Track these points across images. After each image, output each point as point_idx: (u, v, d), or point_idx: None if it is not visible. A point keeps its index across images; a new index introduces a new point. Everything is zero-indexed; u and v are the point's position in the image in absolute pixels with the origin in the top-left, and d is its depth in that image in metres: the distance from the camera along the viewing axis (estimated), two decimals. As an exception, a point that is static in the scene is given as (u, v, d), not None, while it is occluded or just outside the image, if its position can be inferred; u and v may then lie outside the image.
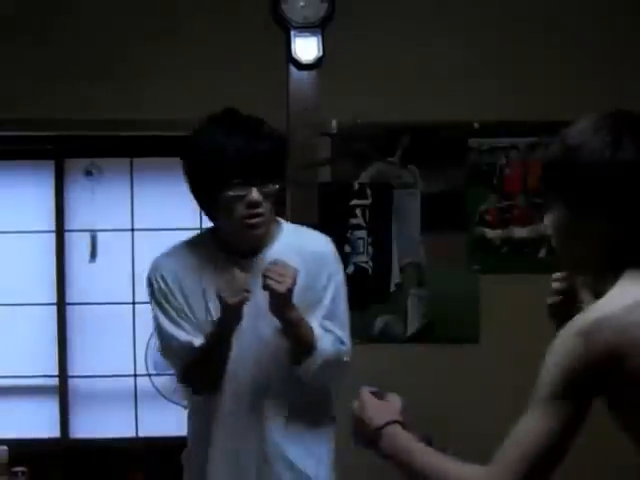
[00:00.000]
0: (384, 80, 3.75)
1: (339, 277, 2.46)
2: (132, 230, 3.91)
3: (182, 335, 2.34)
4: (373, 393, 1.92)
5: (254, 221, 2.28)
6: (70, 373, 3.94)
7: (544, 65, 3.80)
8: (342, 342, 2.47)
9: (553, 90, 3.80)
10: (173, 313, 2.36)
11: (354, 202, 3.76)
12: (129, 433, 3.96)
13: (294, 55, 3.67)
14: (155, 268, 2.40)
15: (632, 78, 3.84)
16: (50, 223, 3.90)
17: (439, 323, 3.81)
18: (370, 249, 3.76)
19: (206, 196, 2.30)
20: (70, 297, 3.93)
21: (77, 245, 3.92)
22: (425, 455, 1.69)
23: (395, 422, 1.79)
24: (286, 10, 3.66)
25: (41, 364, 3.94)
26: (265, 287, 2.23)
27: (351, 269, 3.75)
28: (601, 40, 3.82)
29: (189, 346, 2.33)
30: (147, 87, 3.67)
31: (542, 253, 3.80)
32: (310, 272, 2.36)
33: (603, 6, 3.82)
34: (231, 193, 2.24)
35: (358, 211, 3.76)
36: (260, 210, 2.28)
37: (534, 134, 3.81)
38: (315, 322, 2.38)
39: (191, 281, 2.36)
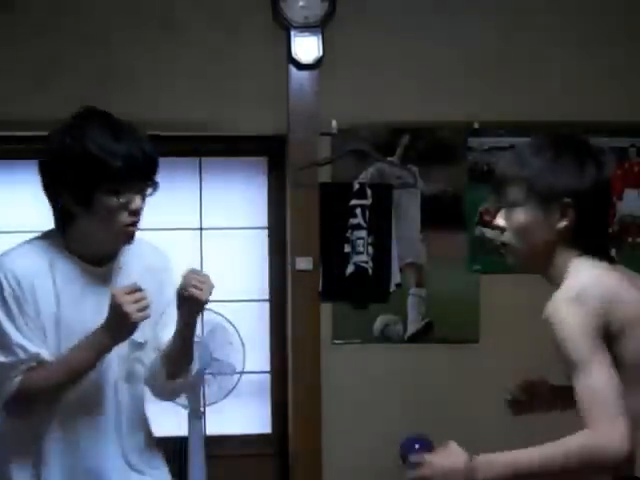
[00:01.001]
0: (384, 80, 3.75)
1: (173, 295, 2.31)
2: (132, 230, 3.91)
3: (29, 345, 2.11)
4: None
5: (134, 229, 2.17)
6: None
7: (544, 65, 3.80)
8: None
9: (553, 90, 3.80)
10: (21, 320, 2.11)
11: (354, 202, 3.76)
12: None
13: (294, 55, 3.67)
14: (7, 267, 2.14)
15: (632, 78, 3.85)
16: (50, 223, 3.89)
17: (439, 323, 3.81)
18: (370, 249, 3.76)
19: (77, 198, 2.10)
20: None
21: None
22: (527, 453, 1.77)
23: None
24: (286, 10, 3.67)
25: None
26: (187, 296, 2.13)
27: (351, 269, 3.75)
28: (602, 40, 3.82)
29: (35, 358, 2.11)
30: (147, 87, 3.67)
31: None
32: (155, 285, 2.24)
33: (604, 6, 3.82)
34: (116, 199, 2.09)
35: (358, 211, 3.76)
36: (140, 218, 2.17)
37: (534, 134, 3.80)
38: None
39: (43, 287, 2.14)
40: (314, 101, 3.71)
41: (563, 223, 1.90)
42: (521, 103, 3.78)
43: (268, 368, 3.96)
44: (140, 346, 2.26)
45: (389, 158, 3.78)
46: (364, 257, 3.76)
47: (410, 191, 3.79)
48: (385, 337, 3.80)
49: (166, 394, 2.41)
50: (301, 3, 3.66)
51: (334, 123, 3.71)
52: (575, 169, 1.90)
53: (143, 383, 2.32)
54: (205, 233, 3.94)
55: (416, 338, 3.81)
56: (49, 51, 3.65)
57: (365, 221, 3.76)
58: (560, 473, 1.73)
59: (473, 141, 3.79)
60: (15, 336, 2.11)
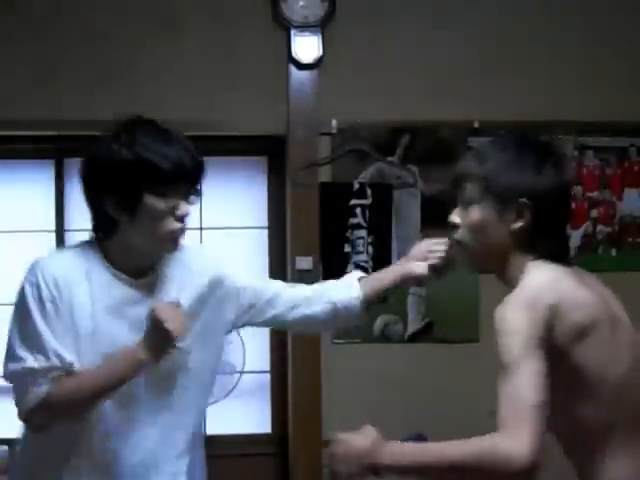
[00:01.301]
0: (384, 80, 3.75)
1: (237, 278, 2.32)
2: (132, 230, 3.91)
3: (64, 353, 2.01)
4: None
5: (180, 235, 2.09)
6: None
7: (544, 65, 3.81)
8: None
9: (553, 90, 3.80)
10: (58, 325, 2.02)
11: (354, 202, 3.76)
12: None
13: (294, 55, 3.67)
14: (45, 269, 2.06)
15: (633, 78, 3.85)
16: (50, 223, 3.89)
17: (439, 323, 3.81)
18: (370, 249, 3.76)
19: (123, 203, 2.03)
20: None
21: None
22: (436, 449, 1.71)
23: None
24: (286, 10, 3.67)
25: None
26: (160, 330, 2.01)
27: (351, 269, 3.75)
28: (602, 40, 3.82)
29: (68, 368, 2.02)
30: (147, 87, 3.67)
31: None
32: (202, 296, 2.19)
33: (604, 5, 3.83)
34: (163, 204, 2.02)
35: (358, 211, 3.76)
36: (185, 224, 2.10)
37: (534, 134, 3.80)
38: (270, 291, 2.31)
39: (79, 296, 2.06)
40: (314, 101, 3.71)
41: (518, 224, 1.85)
42: (521, 103, 3.78)
43: (268, 368, 3.96)
44: (179, 351, 2.14)
45: (389, 158, 3.78)
46: (364, 257, 3.77)
47: (410, 191, 3.79)
48: (385, 337, 3.80)
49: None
50: (301, 3, 3.66)
51: (334, 123, 3.71)
52: (533, 170, 1.86)
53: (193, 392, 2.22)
54: (205, 233, 3.94)
55: (416, 338, 3.81)
56: (49, 51, 3.66)
57: (365, 221, 3.76)
58: (465, 474, 1.65)
59: (473, 141, 3.79)
60: (50, 340, 2.00)
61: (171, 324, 1.98)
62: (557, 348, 1.74)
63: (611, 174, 3.87)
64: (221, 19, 3.72)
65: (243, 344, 3.70)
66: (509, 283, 1.87)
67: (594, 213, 3.86)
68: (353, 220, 3.76)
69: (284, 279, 3.85)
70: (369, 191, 3.76)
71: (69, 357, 2.01)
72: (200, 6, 3.72)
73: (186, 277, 2.18)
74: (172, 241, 2.09)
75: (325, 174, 3.76)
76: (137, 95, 3.65)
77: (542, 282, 1.80)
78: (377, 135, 3.77)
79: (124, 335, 2.05)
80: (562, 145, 3.83)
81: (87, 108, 3.62)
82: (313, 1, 3.68)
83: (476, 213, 1.90)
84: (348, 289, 2.31)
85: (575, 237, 3.85)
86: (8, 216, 3.89)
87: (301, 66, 3.68)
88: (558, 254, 1.88)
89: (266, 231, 3.95)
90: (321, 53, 3.67)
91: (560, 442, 1.88)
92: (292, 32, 3.66)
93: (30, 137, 3.80)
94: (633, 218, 3.90)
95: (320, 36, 3.67)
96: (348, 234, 3.76)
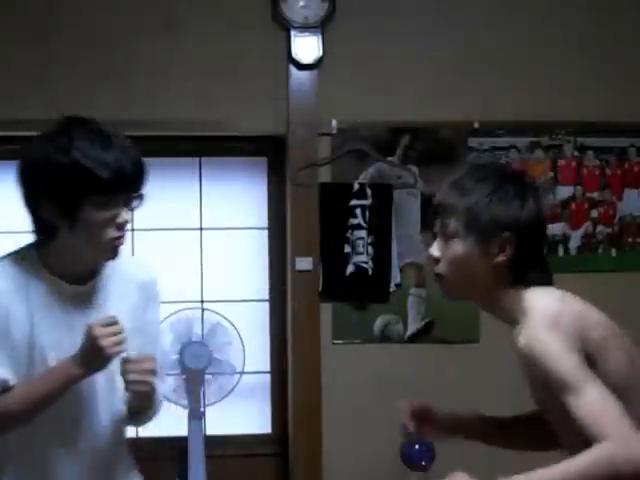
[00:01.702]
0: (384, 80, 3.75)
1: (159, 312, 2.27)
2: (132, 230, 3.90)
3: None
4: None
5: (120, 243, 2.04)
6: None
7: (544, 65, 3.81)
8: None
9: (553, 90, 3.80)
10: None
11: (354, 202, 3.76)
12: (129, 433, 3.95)
13: (294, 55, 3.67)
14: None
15: (633, 78, 3.85)
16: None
17: (439, 323, 3.81)
18: (370, 249, 3.76)
19: (61, 210, 1.97)
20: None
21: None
22: (562, 468, 1.70)
23: None
24: (286, 10, 3.67)
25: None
26: (127, 387, 2.03)
27: (351, 269, 3.75)
28: (602, 40, 3.82)
29: (3, 384, 1.99)
30: (147, 87, 3.67)
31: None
32: (138, 303, 2.16)
33: (604, 5, 3.82)
34: (103, 213, 1.96)
35: (358, 211, 3.76)
36: (125, 232, 2.04)
37: (534, 134, 3.81)
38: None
39: (16, 311, 2.01)
40: (314, 101, 3.71)
41: (501, 257, 1.85)
42: (521, 103, 3.78)
43: (268, 368, 3.96)
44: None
45: (389, 158, 3.78)
46: (364, 257, 3.76)
47: (410, 191, 3.79)
48: (385, 337, 3.80)
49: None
50: (301, 3, 3.66)
51: (334, 123, 3.71)
52: (515, 203, 1.85)
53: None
54: (205, 233, 3.94)
55: (416, 338, 3.81)
56: (49, 51, 3.65)
57: (365, 221, 3.76)
58: None
59: (473, 141, 3.79)
60: None
61: (105, 341, 1.94)
62: (588, 360, 1.77)
63: (611, 174, 3.87)
64: (221, 19, 3.72)
65: (243, 345, 3.71)
66: (503, 314, 1.89)
67: (594, 213, 3.86)
68: (353, 220, 3.75)
69: (284, 279, 3.86)
70: (369, 191, 3.75)
71: (2, 373, 1.99)
72: (200, 6, 3.71)
73: (123, 285, 2.15)
74: (112, 249, 2.04)
75: (325, 174, 3.75)
76: (137, 95, 3.65)
77: (554, 304, 1.82)
78: (377, 135, 3.77)
79: (61, 344, 2.02)
80: (562, 145, 3.84)
81: (87, 108, 3.60)
82: (313, 1, 3.68)
83: (458, 247, 1.89)
84: None
85: (575, 237, 3.85)
86: (9, 216, 3.89)
87: (301, 66, 3.67)
88: (543, 281, 1.90)
89: (266, 231, 3.95)
90: (321, 53, 3.67)
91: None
92: (292, 32, 3.66)
93: (30, 137, 3.79)
94: (633, 218, 3.90)
95: (320, 36, 3.67)
96: (348, 234, 3.75)
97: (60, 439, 2.09)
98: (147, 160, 2.04)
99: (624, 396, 1.77)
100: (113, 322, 1.99)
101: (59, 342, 2.03)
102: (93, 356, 1.97)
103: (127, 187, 1.99)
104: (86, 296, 2.09)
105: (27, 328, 2.03)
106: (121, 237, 2.03)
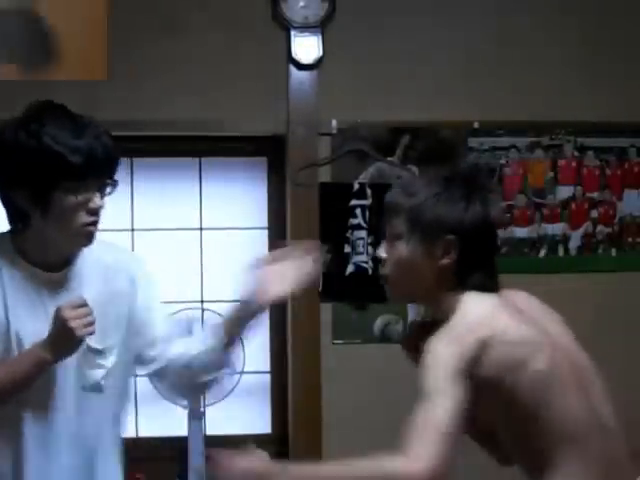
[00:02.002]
0: (384, 80, 3.75)
1: (154, 295, 2.26)
2: (132, 230, 3.91)
3: None
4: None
5: (93, 229, 2.04)
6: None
7: (544, 65, 3.80)
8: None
9: (553, 90, 3.80)
10: None
11: (354, 202, 3.76)
12: (129, 433, 3.95)
13: (294, 55, 3.67)
14: None
15: (632, 78, 3.85)
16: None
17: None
18: (370, 249, 3.76)
19: (33, 197, 1.98)
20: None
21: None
22: (332, 466, 1.75)
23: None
24: (286, 10, 3.67)
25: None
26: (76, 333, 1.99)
27: (351, 269, 3.76)
28: (602, 40, 3.82)
29: None
30: (147, 87, 3.67)
31: (542, 253, 3.80)
32: (117, 287, 2.16)
33: (604, 5, 3.82)
34: (74, 198, 1.98)
35: (358, 211, 3.76)
36: (99, 217, 2.05)
37: (534, 134, 3.81)
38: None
39: None
40: (314, 101, 3.71)
41: (445, 260, 1.84)
42: (521, 103, 3.78)
43: (268, 368, 3.96)
44: (99, 353, 2.13)
45: (389, 158, 3.78)
46: (364, 257, 3.77)
47: (410, 191, 3.79)
48: (385, 337, 3.80)
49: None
50: (301, 3, 3.66)
51: (334, 123, 3.71)
52: (460, 206, 1.83)
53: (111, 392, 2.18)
54: (205, 233, 3.94)
55: (416, 338, 3.81)
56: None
57: (365, 221, 3.76)
58: None
59: (473, 141, 3.79)
60: None
61: (74, 322, 1.94)
62: (486, 381, 1.74)
63: (611, 174, 3.87)
64: (221, 19, 3.72)
65: (243, 344, 3.70)
66: (442, 315, 1.86)
67: (594, 213, 3.86)
68: (353, 221, 3.76)
69: (284, 279, 3.86)
70: (369, 191, 3.76)
71: None
72: (200, 6, 3.71)
73: (101, 272, 2.14)
74: (85, 235, 2.05)
75: (325, 174, 3.75)
76: (137, 95, 3.65)
77: (474, 317, 1.80)
78: (377, 135, 3.77)
79: (38, 331, 2.02)
80: (562, 145, 3.84)
81: (88, 108, 3.60)
82: (313, 1, 3.68)
83: (403, 249, 1.88)
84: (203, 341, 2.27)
85: (575, 237, 3.85)
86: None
87: (301, 66, 3.67)
88: (486, 286, 1.87)
89: (266, 231, 3.95)
90: (321, 53, 3.67)
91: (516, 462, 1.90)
92: (292, 32, 3.66)
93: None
94: (633, 218, 3.89)
95: (320, 36, 3.67)
96: (348, 234, 3.76)
97: (29, 404, 2.07)
98: (146, 160, 2.04)
99: (542, 404, 1.77)
100: (82, 304, 1.98)
101: (34, 327, 2.03)
102: (63, 338, 1.97)
103: (98, 172, 2.01)
104: (61, 282, 2.09)
105: (1, 314, 2.04)
106: (94, 223, 2.04)
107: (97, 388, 2.15)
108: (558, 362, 1.81)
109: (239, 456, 1.83)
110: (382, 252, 1.94)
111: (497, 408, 1.79)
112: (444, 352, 1.73)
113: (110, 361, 2.16)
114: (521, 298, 1.93)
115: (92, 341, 2.08)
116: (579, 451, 1.78)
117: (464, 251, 1.84)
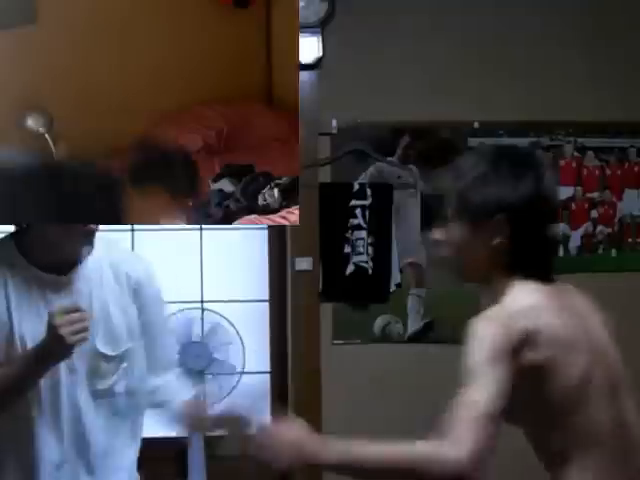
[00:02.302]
0: (384, 80, 3.75)
1: (161, 310, 2.26)
2: (132, 230, 3.91)
3: None
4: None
5: (92, 227, 2.03)
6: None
7: (544, 65, 3.80)
8: None
9: (553, 90, 3.80)
10: None
11: (354, 202, 3.76)
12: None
13: (294, 55, 3.67)
14: None
15: (632, 78, 3.85)
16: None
17: (439, 323, 3.81)
18: (370, 249, 3.76)
19: None
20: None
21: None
22: (377, 447, 1.71)
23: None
24: (286, 10, 3.67)
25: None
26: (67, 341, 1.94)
27: (351, 269, 3.76)
28: (602, 40, 3.82)
29: None
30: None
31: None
32: (128, 299, 2.15)
33: (603, 6, 3.82)
34: None
35: (358, 211, 3.76)
36: None
37: (534, 134, 3.81)
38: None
39: None
40: (314, 101, 3.71)
41: (497, 240, 1.82)
42: (521, 103, 3.78)
43: (268, 368, 3.96)
44: (106, 358, 2.11)
45: (389, 158, 3.78)
46: (364, 257, 3.76)
47: (410, 191, 3.79)
48: (385, 337, 3.80)
49: None
50: (301, 3, 3.66)
51: (334, 123, 3.71)
52: (510, 184, 1.81)
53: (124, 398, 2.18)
54: (205, 233, 3.94)
55: (416, 338, 3.81)
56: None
57: (365, 221, 3.76)
58: (402, 475, 1.68)
59: (473, 141, 3.79)
60: None
61: (64, 330, 1.89)
62: (521, 373, 1.72)
63: (611, 174, 3.87)
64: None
65: (243, 345, 3.70)
66: (493, 298, 1.86)
67: (594, 213, 3.86)
68: (353, 221, 3.76)
69: (284, 279, 3.86)
70: (369, 192, 3.76)
71: None
72: (200, 6, 3.72)
73: (106, 273, 2.13)
74: (85, 235, 2.03)
75: (325, 174, 3.76)
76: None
77: (521, 307, 1.79)
78: (377, 135, 3.77)
79: (42, 335, 1.98)
80: (562, 145, 3.84)
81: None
82: (313, 1, 3.68)
83: (455, 230, 1.89)
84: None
85: (575, 237, 3.85)
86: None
87: (301, 66, 3.67)
88: (540, 272, 1.86)
89: (266, 231, 3.95)
90: (321, 53, 3.67)
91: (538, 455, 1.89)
92: (292, 32, 3.66)
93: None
94: (633, 218, 3.90)
95: (320, 36, 3.67)
96: (348, 235, 3.76)
97: (39, 406, 2.06)
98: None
99: (570, 409, 1.76)
100: (74, 309, 1.93)
101: (39, 330, 2.00)
102: (53, 346, 1.93)
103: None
104: (66, 285, 2.07)
105: (5, 317, 2.03)
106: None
107: (109, 394, 2.13)
108: (593, 367, 1.81)
109: (285, 426, 1.83)
110: (436, 234, 1.94)
111: (524, 402, 1.77)
112: (490, 332, 1.73)
113: (122, 366, 2.14)
114: (570, 294, 1.92)
115: (101, 345, 2.08)
116: (599, 455, 1.79)
117: (516, 231, 1.82)
